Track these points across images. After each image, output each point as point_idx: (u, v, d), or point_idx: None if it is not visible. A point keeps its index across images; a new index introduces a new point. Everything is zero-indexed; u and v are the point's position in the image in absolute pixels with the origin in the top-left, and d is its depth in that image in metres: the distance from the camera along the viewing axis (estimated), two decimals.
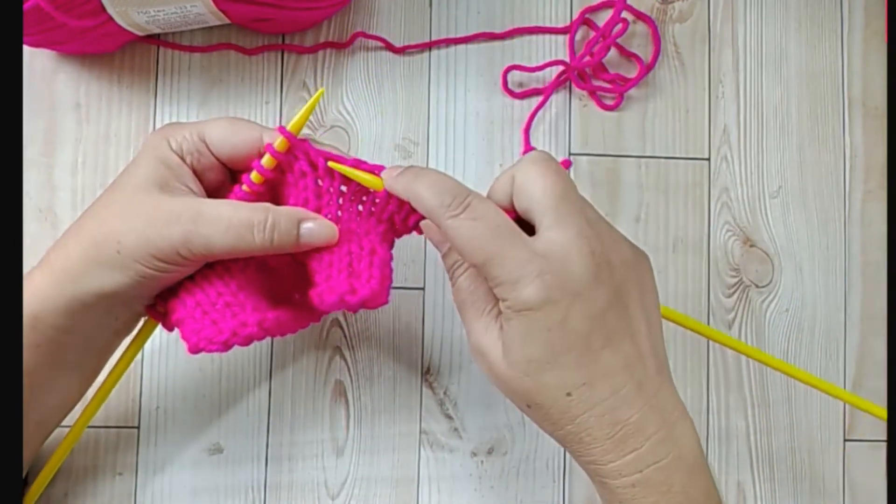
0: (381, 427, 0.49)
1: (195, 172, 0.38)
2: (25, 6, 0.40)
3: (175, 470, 0.48)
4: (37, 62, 0.49)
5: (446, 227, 0.35)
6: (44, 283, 0.36)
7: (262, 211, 0.37)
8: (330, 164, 0.38)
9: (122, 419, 0.48)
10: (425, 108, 0.51)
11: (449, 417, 0.49)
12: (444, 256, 0.38)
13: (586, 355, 0.34)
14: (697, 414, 0.51)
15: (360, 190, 0.39)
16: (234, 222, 0.36)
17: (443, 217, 0.35)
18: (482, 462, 0.49)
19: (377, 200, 0.39)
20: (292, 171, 0.38)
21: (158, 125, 0.49)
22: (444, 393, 0.50)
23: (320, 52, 0.51)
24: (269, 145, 0.37)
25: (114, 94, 0.50)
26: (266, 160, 0.38)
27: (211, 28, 0.50)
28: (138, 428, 0.48)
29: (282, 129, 0.37)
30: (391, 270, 0.38)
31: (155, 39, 0.50)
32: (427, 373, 0.50)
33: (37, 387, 0.37)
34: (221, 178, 0.39)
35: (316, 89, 0.50)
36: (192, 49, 0.50)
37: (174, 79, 0.50)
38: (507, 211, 0.36)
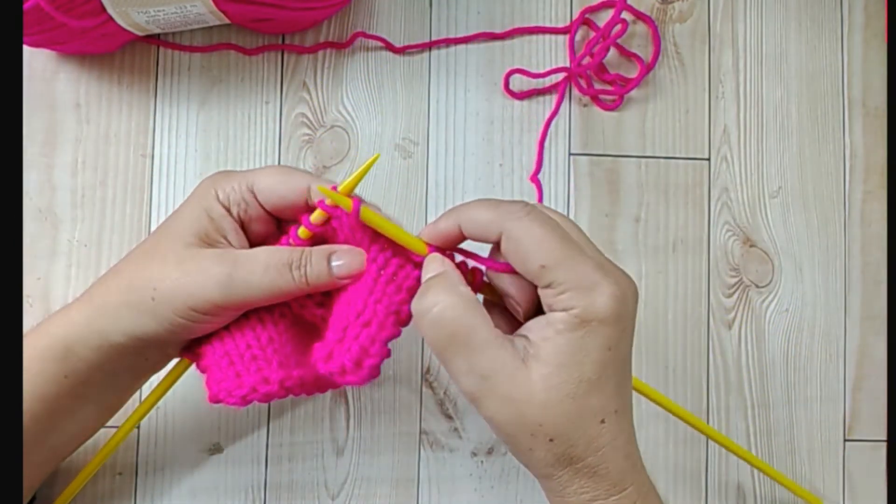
0: (381, 427, 0.49)
1: (242, 223, 0.38)
2: (25, 6, 0.40)
3: (175, 470, 0.48)
4: (37, 62, 0.49)
5: (512, 229, 0.33)
6: (80, 318, 0.36)
7: (297, 250, 0.37)
8: (365, 215, 0.36)
9: (122, 419, 0.48)
10: (425, 108, 0.51)
11: (449, 417, 0.49)
12: (419, 294, 0.35)
13: (622, 382, 0.34)
14: (698, 414, 0.51)
15: (384, 252, 0.37)
16: (273, 262, 0.36)
17: (509, 219, 0.33)
18: (482, 462, 0.49)
19: (399, 268, 0.37)
20: (342, 227, 0.37)
21: (158, 125, 0.50)
22: (444, 393, 0.50)
23: (320, 52, 0.51)
24: (321, 202, 0.36)
25: (114, 94, 0.50)
26: (316, 216, 0.37)
27: (211, 28, 0.50)
28: (138, 428, 0.48)
29: (335, 189, 0.36)
30: (381, 350, 0.35)
31: (155, 39, 0.50)
32: (427, 373, 0.50)
33: (57, 413, 0.38)
34: (268, 230, 0.39)
35: (316, 89, 0.50)
36: (192, 49, 0.50)
37: (174, 79, 0.50)
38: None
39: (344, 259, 0.37)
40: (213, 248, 0.37)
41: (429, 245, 0.37)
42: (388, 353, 0.35)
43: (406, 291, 0.36)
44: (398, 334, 0.36)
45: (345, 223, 0.36)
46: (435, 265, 0.36)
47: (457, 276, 0.35)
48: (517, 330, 0.35)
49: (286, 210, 0.38)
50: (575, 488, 0.34)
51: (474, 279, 0.37)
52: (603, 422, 0.33)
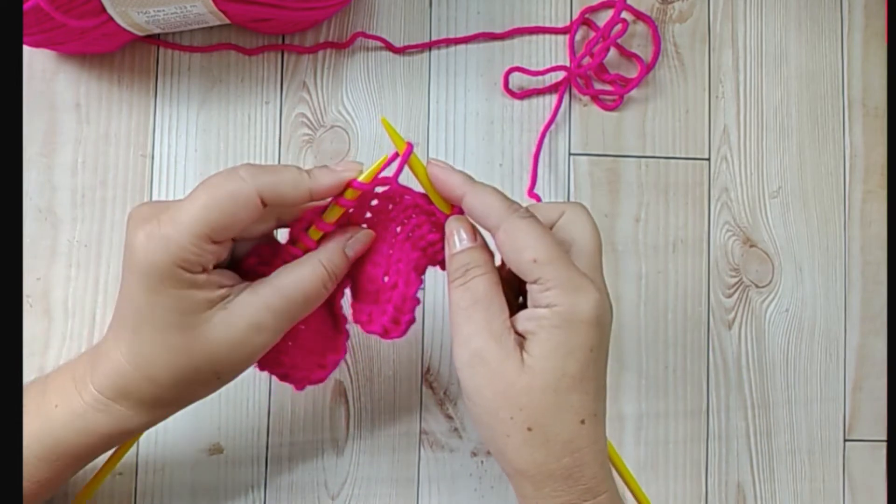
0: (381, 427, 0.49)
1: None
2: (25, 6, 0.40)
3: (175, 470, 0.48)
4: (37, 62, 0.49)
5: (513, 222, 0.35)
6: (134, 417, 0.36)
7: (317, 264, 0.36)
8: (412, 161, 0.37)
9: None
10: (425, 108, 0.51)
11: (449, 417, 0.49)
12: (455, 255, 0.37)
13: (601, 388, 0.35)
14: (698, 414, 0.51)
15: (403, 213, 0.39)
16: (309, 290, 0.36)
17: (512, 215, 0.35)
18: (482, 462, 0.49)
19: (415, 228, 0.39)
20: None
21: (158, 125, 0.49)
22: (444, 393, 0.50)
23: (320, 52, 0.51)
24: (341, 198, 0.36)
25: (114, 94, 0.50)
26: (350, 193, 0.36)
27: (211, 28, 0.50)
28: None
29: (355, 183, 0.36)
30: (413, 303, 0.38)
31: (155, 39, 0.50)
32: (427, 373, 0.50)
33: (86, 450, 0.37)
34: (227, 253, 0.37)
35: (316, 89, 0.50)
36: (192, 49, 0.50)
37: (174, 79, 0.50)
38: None
39: (355, 244, 0.38)
40: (223, 300, 0.35)
41: (453, 207, 0.38)
42: (418, 302, 0.38)
43: (420, 251, 0.39)
44: (422, 283, 0.38)
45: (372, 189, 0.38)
46: (466, 231, 0.37)
47: (490, 253, 0.37)
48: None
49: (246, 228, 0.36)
50: (548, 490, 0.34)
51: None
52: (583, 422, 0.34)
